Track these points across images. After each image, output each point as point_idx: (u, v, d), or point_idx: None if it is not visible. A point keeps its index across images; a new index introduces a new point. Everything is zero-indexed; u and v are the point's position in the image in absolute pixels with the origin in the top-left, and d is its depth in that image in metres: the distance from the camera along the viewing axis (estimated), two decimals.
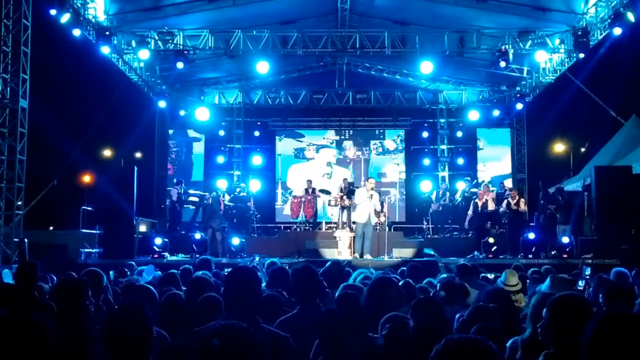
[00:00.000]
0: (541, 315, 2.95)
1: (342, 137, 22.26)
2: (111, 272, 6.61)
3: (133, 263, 10.50)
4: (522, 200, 15.58)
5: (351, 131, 22.22)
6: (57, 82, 17.27)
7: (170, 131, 21.75)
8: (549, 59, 17.59)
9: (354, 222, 15.17)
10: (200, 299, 4.35)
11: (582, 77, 17.06)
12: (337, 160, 22.11)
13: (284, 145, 22.20)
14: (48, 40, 14.93)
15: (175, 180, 18.30)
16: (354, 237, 14.69)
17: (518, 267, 8.87)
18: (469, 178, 18.97)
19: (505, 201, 15.98)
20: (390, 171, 21.90)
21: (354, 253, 14.48)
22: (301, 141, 22.29)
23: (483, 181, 19.78)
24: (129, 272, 7.93)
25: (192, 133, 21.91)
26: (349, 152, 22.17)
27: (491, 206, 16.10)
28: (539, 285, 6.49)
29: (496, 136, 21.80)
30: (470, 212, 16.66)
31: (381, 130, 22.18)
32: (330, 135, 22.29)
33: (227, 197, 16.60)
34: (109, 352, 2.85)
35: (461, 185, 18.67)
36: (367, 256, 14.28)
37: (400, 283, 5.83)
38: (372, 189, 14.53)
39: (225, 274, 8.02)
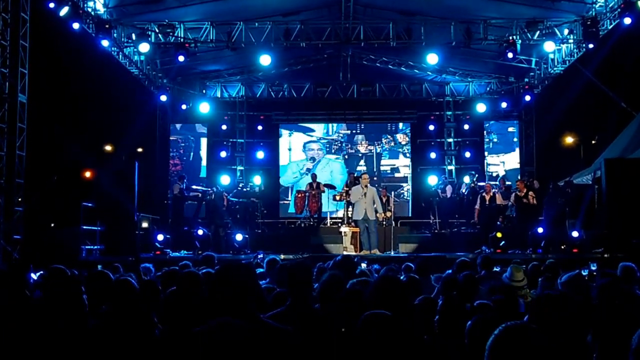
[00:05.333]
0: None
1: (354, 132, 21.99)
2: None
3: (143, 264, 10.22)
4: (531, 193, 15.24)
5: (363, 125, 21.95)
6: (57, 76, 17.01)
7: (178, 126, 21.55)
8: (557, 50, 17.26)
9: (352, 219, 15.03)
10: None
11: (591, 68, 16.70)
12: (349, 154, 21.83)
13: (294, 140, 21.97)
14: (47, 33, 14.70)
15: (178, 176, 18.11)
16: (359, 233, 14.57)
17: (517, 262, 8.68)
18: (473, 172, 18.73)
19: (513, 195, 15.68)
20: (402, 165, 21.69)
21: (359, 250, 14.34)
22: (311, 135, 22.02)
23: (501, 175, 19.57)
24: (122, 269, 7.65)
25: (200, 128, 21.70)
26: (360, 147, 21.90)
27: (499, 200, 15.83)
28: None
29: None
30: (477, 206, 16.41)
31: (393, 125, 21.90)
32: (342, 129, 22.02)
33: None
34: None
35: (466, 180, 18.45)
36: (375, 251, 14.19)
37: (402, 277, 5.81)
38: (366, 185, 14.46)
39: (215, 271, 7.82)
